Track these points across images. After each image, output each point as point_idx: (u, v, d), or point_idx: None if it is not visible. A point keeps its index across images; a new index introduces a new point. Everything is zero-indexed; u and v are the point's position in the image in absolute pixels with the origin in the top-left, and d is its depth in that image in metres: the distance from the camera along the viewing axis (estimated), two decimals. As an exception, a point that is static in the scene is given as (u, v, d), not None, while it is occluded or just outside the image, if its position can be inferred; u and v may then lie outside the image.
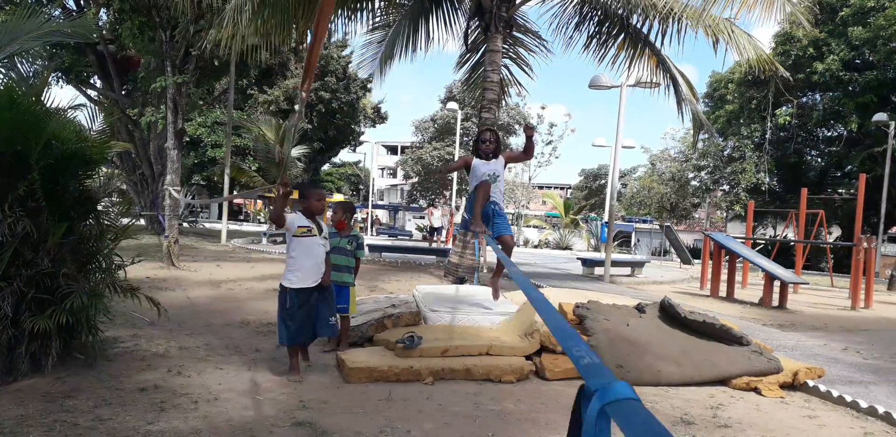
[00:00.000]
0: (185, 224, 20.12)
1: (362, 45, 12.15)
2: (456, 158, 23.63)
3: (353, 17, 9.94)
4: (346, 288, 4.92)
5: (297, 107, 10.30)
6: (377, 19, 11.04)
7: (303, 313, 4.16)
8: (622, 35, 10.49)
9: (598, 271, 13.27)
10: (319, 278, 4.23)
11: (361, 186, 50.17)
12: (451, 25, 11.18)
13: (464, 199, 26.31)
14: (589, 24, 10.70)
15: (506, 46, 10.74)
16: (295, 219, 4.18)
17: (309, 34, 8.62)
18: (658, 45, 10.18)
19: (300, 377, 4.12)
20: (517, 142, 33.93)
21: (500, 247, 4.19)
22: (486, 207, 4.48)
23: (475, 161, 4.62)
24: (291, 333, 4.15)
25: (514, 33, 11.18)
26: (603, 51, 10.75)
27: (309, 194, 4.30)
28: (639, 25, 10.26)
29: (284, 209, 4.13)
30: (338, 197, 41.16)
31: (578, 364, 1.10)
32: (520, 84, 12.65)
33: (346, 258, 4.96)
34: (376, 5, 10.32)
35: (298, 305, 4.14)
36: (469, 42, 11.13)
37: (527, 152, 4.85)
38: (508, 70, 11.71)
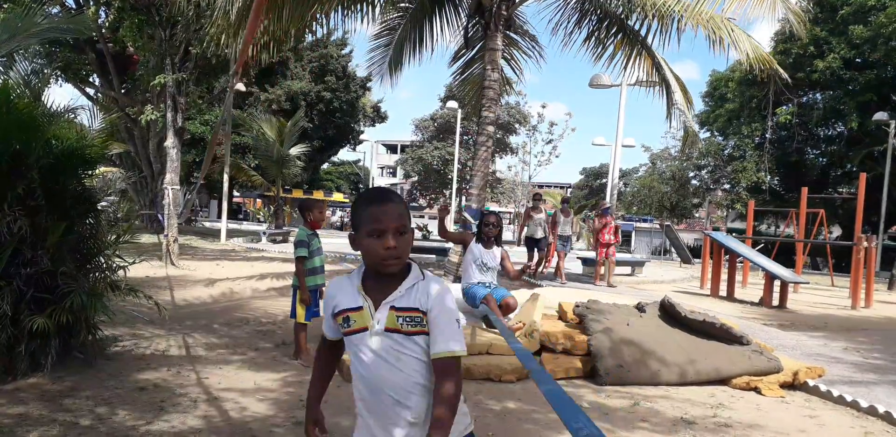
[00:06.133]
0: (184, 223, 20.10)
1: (370, 50, 12.04)
2: (455, 158, 23.52)
3: (351, 13, 9.85)
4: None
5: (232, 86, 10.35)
6: (377, 16, 10.92)
7: None
8: (620, 34, 10.46)
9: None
10: None
11: (361, 185, 50.17)
12: (452, 26, 11.14)
13: (462, 198, 26.29)
14: (588, 22, 10.67)
15: (503, 46, 10.70)
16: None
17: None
18: (655, 46, 10.15)
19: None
20: (516, 141, 34.01)
21: (501, 320, 4.66)
22: (483, 290, 5.14)
23: (474, 244, 5.16)
24: None
25: (511, 34, 11.13)
26: (600, 49, 10.72)
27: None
28: (637, 27, 10.24)
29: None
30: (338, 196, 41.17)
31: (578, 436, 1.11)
32: (510, 85, 12.72)
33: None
34: (376, 2, 10.25)
35: None
36: (468, 40, 11.10)
37: (513, 277, 5.46)
38: (502, 71, 11.69)
